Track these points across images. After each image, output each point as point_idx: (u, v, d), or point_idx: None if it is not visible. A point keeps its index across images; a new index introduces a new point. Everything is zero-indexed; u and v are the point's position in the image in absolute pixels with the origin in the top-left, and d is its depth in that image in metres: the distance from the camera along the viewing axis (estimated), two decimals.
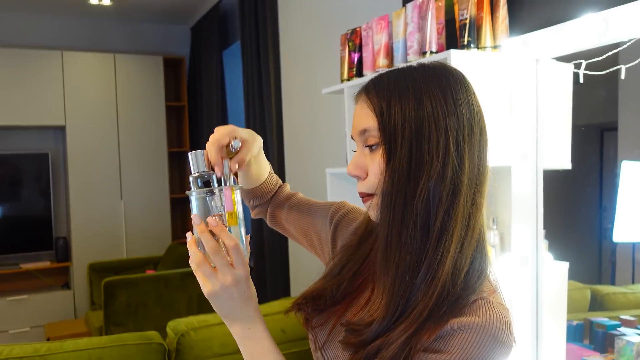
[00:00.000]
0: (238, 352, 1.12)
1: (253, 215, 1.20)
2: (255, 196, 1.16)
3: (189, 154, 0.87)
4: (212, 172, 0.86)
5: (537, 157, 1.58)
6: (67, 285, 5.16)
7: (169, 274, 4.18)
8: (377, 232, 0.86)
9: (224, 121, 5.22)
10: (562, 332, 1.71)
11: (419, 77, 0.80)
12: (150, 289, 4.07)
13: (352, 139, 0.87)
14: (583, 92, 1.75)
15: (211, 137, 0.88)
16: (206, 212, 0.83)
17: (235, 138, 0.90)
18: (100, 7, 5.01)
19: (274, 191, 1.18)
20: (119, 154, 5.23)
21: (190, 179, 0.86)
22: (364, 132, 0.83)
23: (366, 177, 0.84)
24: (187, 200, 4.82)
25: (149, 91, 5.35)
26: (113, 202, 5.21)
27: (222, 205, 0.83)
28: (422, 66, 0.83)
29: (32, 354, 1.91)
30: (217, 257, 0.81)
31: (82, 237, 5.06)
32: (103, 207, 5.16)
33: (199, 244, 0.83)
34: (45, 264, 5.02)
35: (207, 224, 0.81)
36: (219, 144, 0.87)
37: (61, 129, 5.14)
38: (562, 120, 1.71)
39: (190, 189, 0.86)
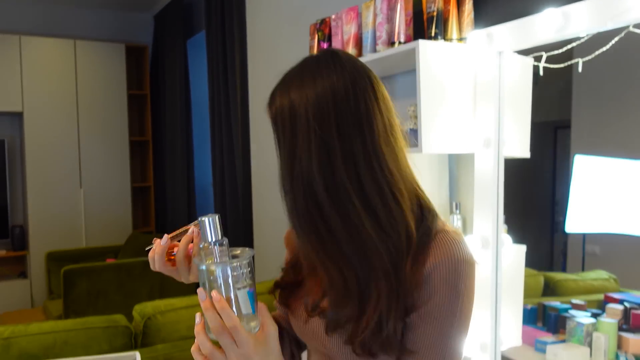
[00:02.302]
0: None
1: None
2: None
3: (201, 219, 0.81)
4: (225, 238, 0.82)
5: (498, 145, 1.66)
6: (23, 274, 5.05)
7: (130, 263, 4.15)
8: None
9: (187, 111, 5.19)
10: (519, 313, 1.80)
11: (292, 73, 0.87)
12: (111, 278, 4.03)
13: None
14: (538, 91, 1.84)
15: None
16: (212, 284, 0.79)
17: None
18: None
19: None
20: (78, 142, 5.14)
21: (201, 246, 0.81)
22: None
23: None
24: (148, 189, 4.73)
25: (110, 79, 5.27)
26: (72, 191, 5.12)
27: (241, 273, 0.79)
28: (310, 56, 0.88)
29: None
30: (221, 337, 0.80)
31: (39, 226, 4.96)
32: (62, 196, 5.06)
33: (206, 326, 0.81)
34: (1, 252, 4.90)
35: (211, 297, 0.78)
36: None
37: (18, 115, 5.01)
38: (522, 110, 1.79)
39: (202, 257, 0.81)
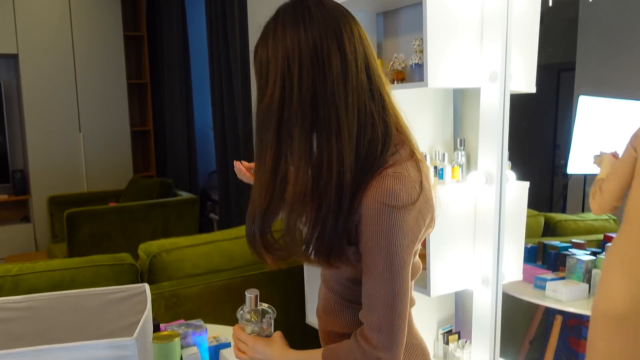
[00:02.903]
0: (210, 272, 1.37)
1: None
2: None
3: (247, 294, 1.23)
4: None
5: (505, 79, 1.63)
6: (26, 219, 5.08)
7: (133, 206, 4.17)
8: None
9: (185, 52, 5.10)
10: (520, 249, 1.82)
11: (268, 26, 0.96)
12: (114, 221, 4.07)
13: None
14: (543, 31, 1.79)
15: None
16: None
17: None
18: None
19: None
20: (76, 85, 5.07)
21: (247, 309, 1.24)
22: None
23: None
24: (147, 133, 4.73)
25: (106, 20, 5.15)
26: (71, 135, 5.09)
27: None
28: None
29: (4, 274, 1.92)
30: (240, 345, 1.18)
31: (40, 170, 4.95)
32: (61, 140, 5.04)
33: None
34: (3, 197, 4.92)
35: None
36: None
37: (13, 58, 4.92)
38: (529, 43, 1.76)
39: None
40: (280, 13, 0.96)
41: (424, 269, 1.73)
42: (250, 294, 1.26)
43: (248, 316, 1.25)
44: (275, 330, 1.27)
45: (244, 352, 1.17)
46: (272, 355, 1.15)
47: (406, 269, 0.96)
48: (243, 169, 1.51)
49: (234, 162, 1.52)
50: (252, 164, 1.41)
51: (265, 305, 1.28)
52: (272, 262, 1.07)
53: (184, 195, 4.55)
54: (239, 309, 1.29)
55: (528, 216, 1.87)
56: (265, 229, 1.01)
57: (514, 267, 1.79)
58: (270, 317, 1.28)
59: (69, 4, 4.96)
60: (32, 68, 4.85)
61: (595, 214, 1.82)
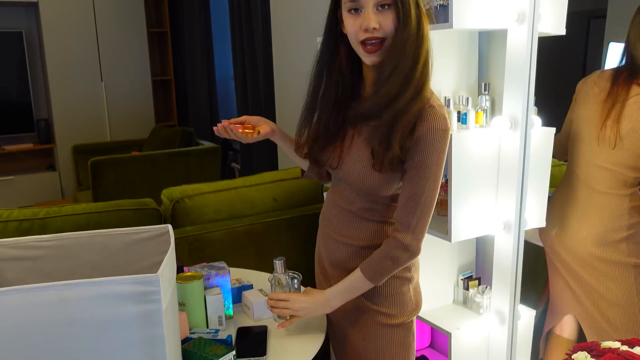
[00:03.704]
0: (231, 218, 1.59)
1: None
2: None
3: (275, 261, 1.43)
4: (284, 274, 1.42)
5: (533, 19, 1.57)
6: (52, 167, 5.18)
7: (155, 154, 4.21)
8: (379, 68, 1.24)
9: (204, 1, 5.03)
10: (545, 194, 1.80)
11: None
12: (137, 169, 4.11)
13: (352, 1, 1.20)
14: None
15: None
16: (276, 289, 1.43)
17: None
18: None
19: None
20: (96, 34, 5.06)
21: (278, 274, 1.43)
22: None
23: (379, 29, 1.19)
24: (168, 82, 4.77)
25: None
26: (93, 84, 5.11)
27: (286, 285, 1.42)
28: None
29: (32, 217, 1.96)
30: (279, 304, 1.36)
31: (63, 119, 5.01)
32: (83, 90, 5.07)
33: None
34: (29, 145, 5.00)
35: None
36: None
37: (34, 6, 4.91)
38: None
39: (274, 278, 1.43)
40: None
41: (445, 214, 1.72)
42: (279, 260, 1.40)
43: (281, 277, 1.40)
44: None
45: (285, 308, 1.33)
46: (314, 300, 1.33)
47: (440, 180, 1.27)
48: (229, 127, 1.40)
49: (215, 127, 1.42)
50: (238, 119, 1.42)
51: (290, 272, 1.43)
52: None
53: (206, 144, 4.57)
54: (269, 277, 1.44)
55: (552, 165, 1.84)
56: None
57: (536, 214, 1.77)
58: (298, 279, 1.43)
59: None
60: (52, 16, 4.84)
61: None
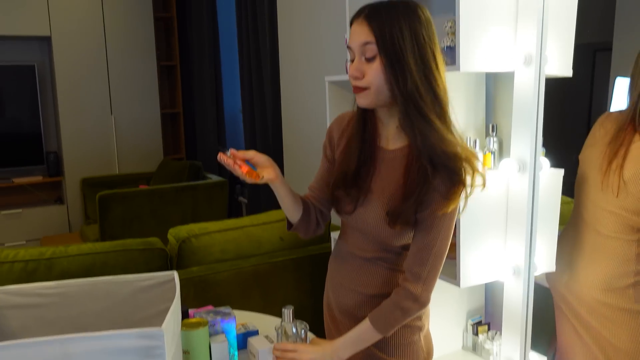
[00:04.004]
0: (238, 258, 1.51)
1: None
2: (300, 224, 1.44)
3: (283, 310, 1.41)
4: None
5: (540, 62, 1.58)
6: (60, 200, 5.19)
7: (163, 188, 4.22)
8: (379, 115, 1.29)
9: (214, 34, 5.09)
10: (554, 239, 1.77)
11: (403, 10, 1.16)
12: (145, 203, 4.12)
13: (349, 48, 1.21)
14: (577, 12, 1.72)
15: None
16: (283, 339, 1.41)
17: None
18: None
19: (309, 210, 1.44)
20: (107, 68, 5.12)
21: (285, 323, 1.41)
22: (365, 44, 1.17)
23: (363, 78, 1.19)
24: (177, 116, 4.80)
25: (136, 1, 5.16)
26: (103, 117, 5.15)
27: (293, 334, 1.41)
28: (401, 2, 1.18)
29: (38, 257, 1.95)
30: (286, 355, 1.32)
31: (73, 152, 5.04)
32: (93, 122, 5.10)
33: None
34: (38, 178, 5.02)
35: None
36: None
37: (47, 40, 4.99)
38: (566, 24, 1.69)
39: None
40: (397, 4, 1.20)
41: (454, 258, 1.70)
42: (287, 309, 1.40)
43: (289, 326, 1.39)
44: (305, 320, 1.42)
45: (292, 359, 1.29)
46: (322, 352, 1.30)
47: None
48: (230, 162, 1.25)
49: (221, 153, 1.27)
50: (246, 153, 1.28)
51: (298, 322, 1.42)
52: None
53: (214, 178, 4.58)
54: (276, 326, 1.42)
55: (562, 203, 1.82)
56: None
57: (546, 258, 1.75)
58: (306, 329, 1.42)
59: None
60: (64, 50, 4.91)
61: None
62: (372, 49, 1.16)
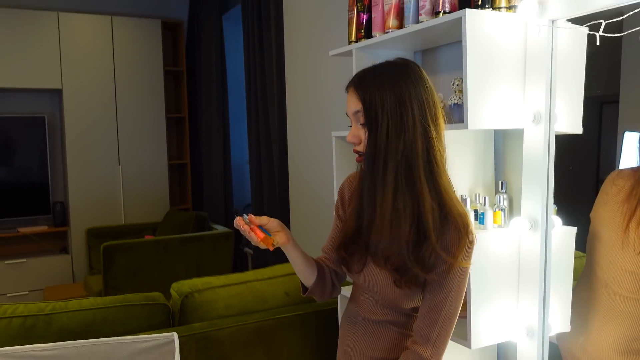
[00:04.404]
0: (242, 314, 1.45)
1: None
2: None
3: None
4: None
5: (550, 120, 1.56)
6: (65, 250, 5.16)
7: (168, 239, 4.18)
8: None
9: (222, 87, 5.16)
10: (568, 298, 1.72)
11: (391, 73, 1.18)
12: (150, 254, 4.08)
13: (347, 115, 1.26)
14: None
15: None
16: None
17: None
18: None
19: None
20: (116, 119, 5.17)
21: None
22: (356, 112, 1.22)
23: (360, 143, 1.23)
24: (184, 166, 4.83)
25: (147, 55, 5.27)
26: (110, 167, 5.17)
27: None
28: (391, 64, 1.21)
29: (37, 313, 1.91)
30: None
31: (79, 202, 5.04)
32: (100, 172, 5.12)
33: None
34: (43, 228, 5.01)
35: None
36: None
37: (58, 92, 5.07)
38: (575, 82, 1.69)
39: None
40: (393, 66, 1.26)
41: (464, 317, 1.64)
42: None
43: None
44: None
45: None
46: None
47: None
48: (247, 229, 1.25)
49: (239, 218, 1.28)
50: (259, 220, 1.27)
51: None
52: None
53: (219, 229, 4.55)
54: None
55: (576, 257, 1.77)
56: None
57: (561, 318, 1.69)
58: None
59: (112, 41, 5.11)
60: (75, 102, 4.97)
61: None
62: (363, 116, 1.21)
